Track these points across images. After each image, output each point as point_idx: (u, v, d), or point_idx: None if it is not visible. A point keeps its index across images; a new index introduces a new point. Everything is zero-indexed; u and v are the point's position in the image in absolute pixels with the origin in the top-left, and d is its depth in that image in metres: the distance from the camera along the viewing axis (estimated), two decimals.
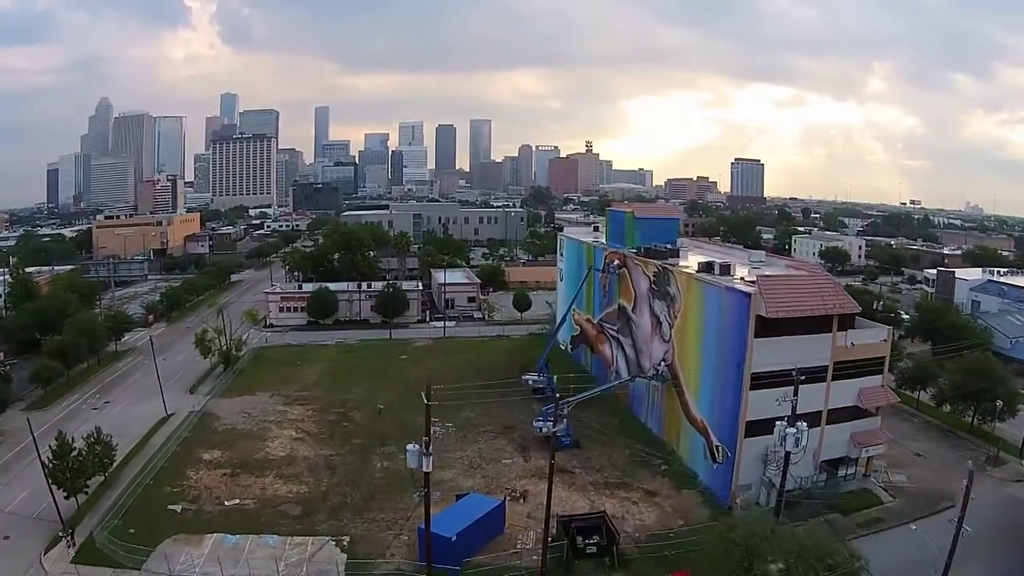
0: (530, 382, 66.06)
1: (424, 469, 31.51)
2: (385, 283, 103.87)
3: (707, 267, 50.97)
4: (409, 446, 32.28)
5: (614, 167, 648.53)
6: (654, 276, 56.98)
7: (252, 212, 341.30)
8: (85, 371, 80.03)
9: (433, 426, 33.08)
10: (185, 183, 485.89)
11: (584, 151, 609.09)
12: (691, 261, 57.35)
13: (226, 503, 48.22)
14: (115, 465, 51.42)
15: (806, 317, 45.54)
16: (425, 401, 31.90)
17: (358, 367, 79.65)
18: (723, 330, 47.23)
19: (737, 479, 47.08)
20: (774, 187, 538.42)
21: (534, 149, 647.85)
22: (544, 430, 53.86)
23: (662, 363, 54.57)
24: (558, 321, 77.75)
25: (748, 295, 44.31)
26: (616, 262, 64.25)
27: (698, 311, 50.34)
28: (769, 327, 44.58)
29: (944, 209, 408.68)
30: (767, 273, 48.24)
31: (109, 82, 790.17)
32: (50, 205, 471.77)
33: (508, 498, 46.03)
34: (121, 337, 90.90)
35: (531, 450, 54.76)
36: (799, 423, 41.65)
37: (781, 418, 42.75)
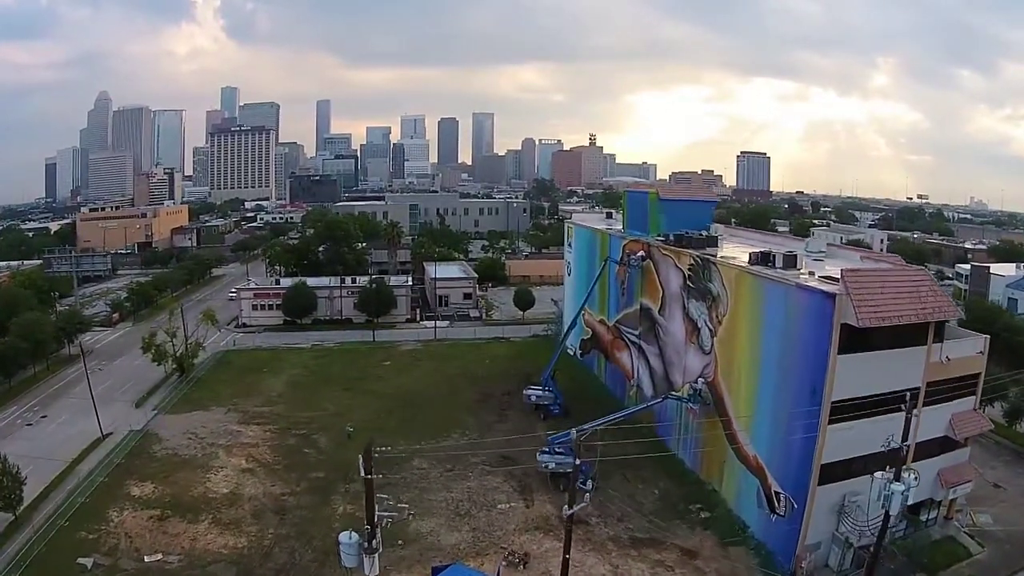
0: (533, 398, 54.71)
1: (367, 573, 19.85)
2: (369, 277, 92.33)
3: (763, 259, 39.31)
4: (343, 536, 20.76)
5: (618, 161, 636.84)
6: (690, 270, 45.36)
7: (248, 205, 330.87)
8: (31, 378, 70.31)
9: (382, 512, 21.36)
10: (184, 177, 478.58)
11: (588, 144, 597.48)
12: (736, 251, 45.81)
13: (146, 558, 37.77)
14: (29, 500, 42.57)
15: (901, 326, 34.15)
16: (363, 474, 20.38)
17: (332, 376, 68.35)
18: (791, 342, 35.64)
19: (804, 537, 35.74)
20: (778, 182, 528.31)
21: (537, 142, 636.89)
22: (551, 466, 42.48)
23: (700, 380, 42.94)
24: (567, 324, 66.28)
25: (832, 297, 32.72)
26: (639, 253, 52.62)
27: (753, 316, 38.72)
28: (855, 340, 33.18)
29: (949, 204, 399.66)
30: (852, 267, 36.47)
31: (111, 77, 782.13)
32: (47, 200, 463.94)
33: (504, 565, 34.58)
34: (74, 339, 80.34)
35: (534, 491, 43.26)
36: (907, 473, 30.50)
37: (873, 456, 32.13)
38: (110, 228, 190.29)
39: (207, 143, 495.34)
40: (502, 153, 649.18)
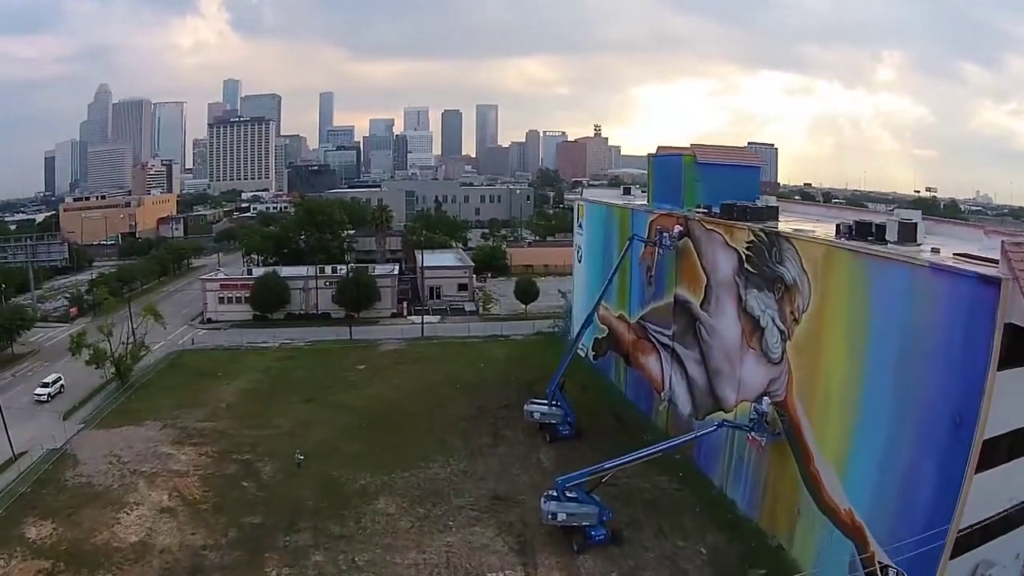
0: (537, 415, 43.33)
1: None
2: (347, 266, 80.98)
3: (863, 230, 27.73)
4: None
5: (623, 153, 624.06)
6: (748, 250, 33.80)
7: (245, 195, 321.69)
8: None
9: None
10: (184, 169, 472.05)
11: (593, 136, 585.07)
12: (804, 227, 34.29)
13: None
14: None
15: None
16: None
17: (294, 383, 57.08)
18: (919, 349, 24.18)
19: None
20: (785, 174, 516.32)
21: (541, 134, 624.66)
22: (560, 516, 31.14)
23: (765, 400, 31.37)
24: (577, 320, 54.99)
25: (995, 283, 21.30)
26: (677, 228, 40.97)
27: (853, 311, 27.15)
28: (1018, 346, 21.92)
29: (956, 198, 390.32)
30: (1017, 240, 24.80)
31: (115, 71, 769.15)
32: (46, 193, 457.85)
33: None
34: (16, 337, 70.22)
35: (536, 548, 31.85)
36: None
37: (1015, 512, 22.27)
38: (93, 218, 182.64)
39: (207, 135, 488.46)
40: (506, 145, 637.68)
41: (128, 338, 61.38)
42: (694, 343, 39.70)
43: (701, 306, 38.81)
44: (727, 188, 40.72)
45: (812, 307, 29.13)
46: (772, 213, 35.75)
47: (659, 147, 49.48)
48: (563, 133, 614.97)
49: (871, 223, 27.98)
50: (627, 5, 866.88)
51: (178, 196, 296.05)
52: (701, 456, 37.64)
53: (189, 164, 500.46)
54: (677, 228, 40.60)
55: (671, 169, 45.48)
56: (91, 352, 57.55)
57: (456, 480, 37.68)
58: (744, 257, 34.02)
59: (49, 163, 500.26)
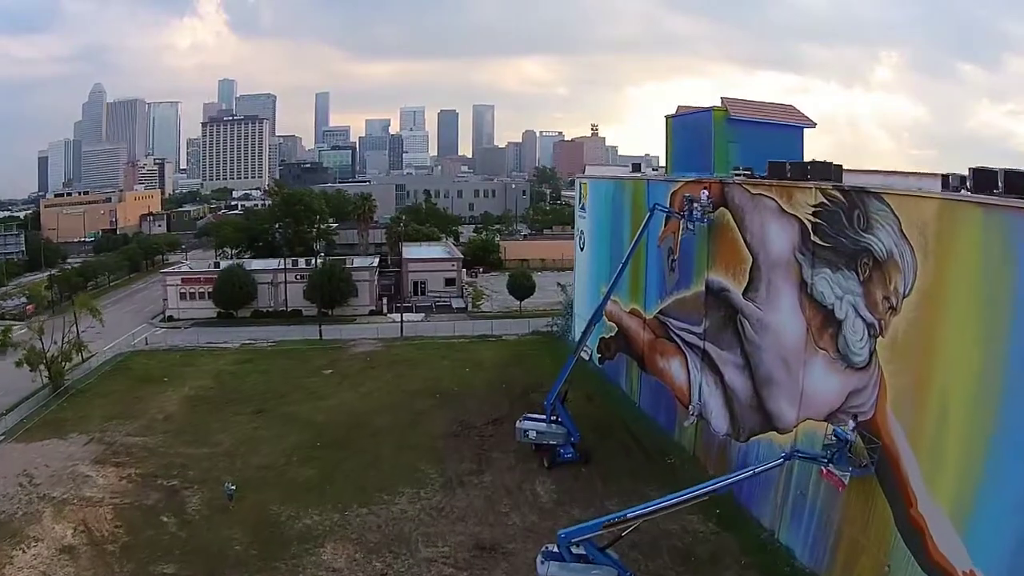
0: (532, 434, 34.92)
1: None
2: (317, 256, 72.99)
3: (984, 179, 19.46)
4: None
5: (620, 152, 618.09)
6: (817, 215, 25.49)
7: (236, 194, 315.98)
8: None
9: None
10: (179, 169, 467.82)
11: (590, 135, 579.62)
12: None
13: None
14: None
15: None
16: None
17: (248, 390, 48.72)
18: None
19: None
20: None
21: (538, 134, 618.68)
22: None
23: (851, 421, 22.99)
24: (580, 317, 46.73)
25: None
26: (705, 195, 32.66)
27: (987, 291, 18.84)
28: None
29: None
30: None
31: (112, 71, 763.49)
32: (39, 193, 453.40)
33: None
34: None
35: None
36: None
37: None
38: (72, 214, 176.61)
39: (201, 133, 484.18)
40: (502, 145, 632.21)
41: (64, 338, 53.52)
42: (734, 343, 31.21)
43: (744, 295, 30.36)
44: (766, 151, 32.54)
45: (919, 289, 20.79)
46: (836, 172, 27.45)
47: (679, 107, 41.23)
48: (560, 133, 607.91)
49: (994, 170, 19.68)
50: (625, 5, 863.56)
51: (169, 195, 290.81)
52: (744, 490, 29.16)
53: (184, 164, 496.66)
54: (705, 194, 32.16)
55: (697, 129, 37.20)
56: (23, 353, 50.02)
57: (427, 521, 29.19)
58: (810, 227, 25.61)
59: (43, 163, 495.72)
